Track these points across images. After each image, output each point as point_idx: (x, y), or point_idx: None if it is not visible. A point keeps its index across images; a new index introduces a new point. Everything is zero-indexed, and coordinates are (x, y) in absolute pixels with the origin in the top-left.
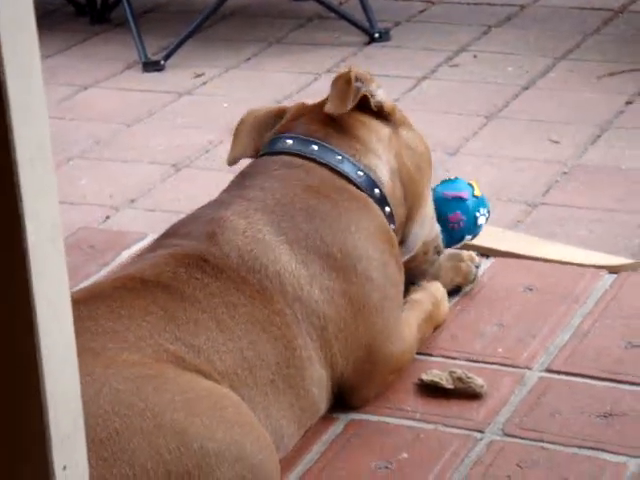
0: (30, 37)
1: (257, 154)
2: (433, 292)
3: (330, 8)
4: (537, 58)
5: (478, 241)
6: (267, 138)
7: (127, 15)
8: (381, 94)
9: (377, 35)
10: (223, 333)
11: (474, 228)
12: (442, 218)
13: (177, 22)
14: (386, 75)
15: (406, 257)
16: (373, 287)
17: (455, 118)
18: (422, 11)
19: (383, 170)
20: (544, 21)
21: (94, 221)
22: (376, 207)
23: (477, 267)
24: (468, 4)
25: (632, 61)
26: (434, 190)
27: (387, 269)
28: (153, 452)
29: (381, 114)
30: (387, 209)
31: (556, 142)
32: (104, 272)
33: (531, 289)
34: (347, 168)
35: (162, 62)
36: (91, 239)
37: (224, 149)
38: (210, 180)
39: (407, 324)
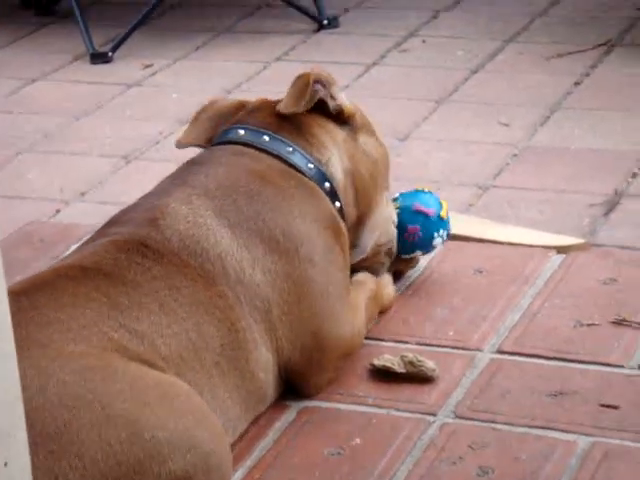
0: None
1: (209, 144)
2: (370, 276)
3: None
4: (486, 41)
5: None
6: (221, 129)
7: (73, 6)
8: (342, 97)
9: (326, 22)
10: (167, 316)
11: (427, 246)
12: (401, 225)
13: (124, 13)
14: (336, 62)
15: (358, 258)
16: (317, 271)
17: (405, 103)
18: None
19: (335, 166)
20: (492, 4)
21: (44, 215)
22: (325, 197)
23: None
24: None
25: (579, 42)
26: (404, 196)
27: (331, 254)
28: (103, 443)
29: (340, 118)
30: (337, 204)
31: (506, 125)
32: None
33: (481, 271)
34: (297, 159)
35: (110, 54)
36: (41, 233)
37: (174, 140)
38: (161, 171)
39: (354, 307)
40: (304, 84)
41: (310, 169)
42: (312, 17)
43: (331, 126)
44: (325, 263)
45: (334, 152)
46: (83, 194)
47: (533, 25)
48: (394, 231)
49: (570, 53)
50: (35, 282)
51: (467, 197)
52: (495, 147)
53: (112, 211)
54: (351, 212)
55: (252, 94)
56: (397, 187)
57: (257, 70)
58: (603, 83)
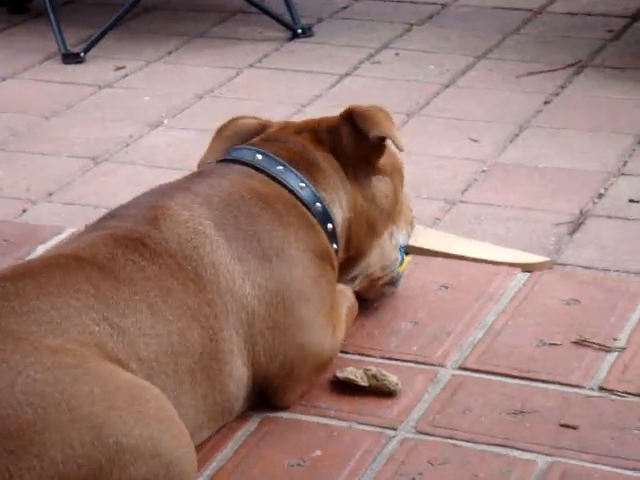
0: None
1: None
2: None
3: (253, 3)
4: (458, 57)
5: None
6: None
7: (46, 5)
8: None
9: (300, 31)
10: (153, 316)
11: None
12: None
13: (98, 14)
14: (308, 71)
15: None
16: (306, 291)
17: None
18: (345, 7)
19: (339, 210)
20: (465, 20)
21: (10, 214)
22: (323, 234)
23: None
24: (391, 1)
25: (550, 61)
26: None
27: (322, 278)
28: (65, 445)
29: (369, 157)
30: (334, 246)
31: (475, 141)
32: None
33: (446, 287)
34: (307, 195)
35: (82, 54)
36: (6, 233)
37: (144, 143)
38: (130, 174)
39: (337, 322)
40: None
41: (317, 207)
42: (286, 25)
43: (343, 170)
44: (315, 284)
45: (342, 196)
46: (50, 194)
47: (505, 42)
48: (393, 263)
49: (541, 72)
50: (24, 268)
51: (434, 211)
52: (464, 162)
53: (79, 212)
54: (340, 255)
55: (223, 100)
56: None
57: (229, 76)
58: (572, 103)
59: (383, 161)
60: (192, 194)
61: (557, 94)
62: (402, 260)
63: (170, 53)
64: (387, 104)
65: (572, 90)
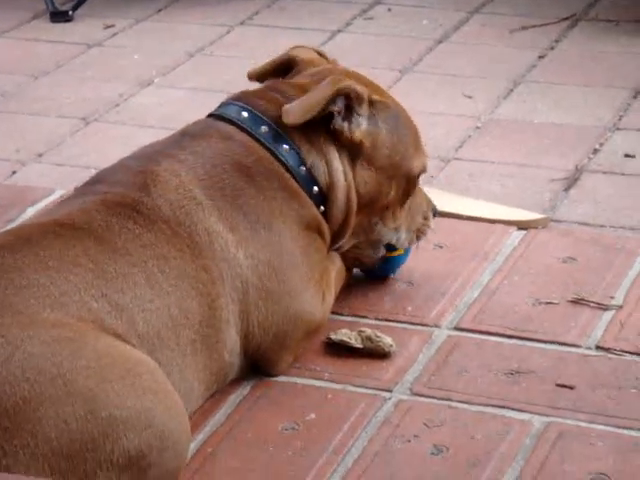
0: None
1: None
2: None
3: None
4: (451, 12)
5: None
6: (227, 99)
7: None
8: (361, 122)
9: None
10: (152, 289)
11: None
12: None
13: None
14: (300, 28)
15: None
16: (297, 260)
17: (369, 72)
18: None
19: (327, 175)
20: None
21: None
22: (307, 201)
23: None
24: None
25: (544, 15)
26: None
27: (311, 249)
28: (59, 421)
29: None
30: (322, 207)
31: (469, 97)
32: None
33: (441, 246)
34: (291, 159)
35: (70, 12)
36: None
37: (135, 102)
38: (120, 134)
39: (327, 288)
40: (324, 98)
41: (301, 171)
42: None
43: (335, 140)
44: (305, 253)
45: (331, 163)
46: (40, 155)
47: None
48: (425, 201)
49: (534, 26)
50: (21, 236)
51: (429, 169)
52: (458, 119)
53: (69, 173)
54: (336, 216)
55: (214, 58)
56: None
57: (220, 34)
58: (567, 57)
59: (374, 153)
60: (177, 161)
61: (551, 48)
62: (392, 249)
63: (160, 11)
64: (380, 61)
65: (566, 44)
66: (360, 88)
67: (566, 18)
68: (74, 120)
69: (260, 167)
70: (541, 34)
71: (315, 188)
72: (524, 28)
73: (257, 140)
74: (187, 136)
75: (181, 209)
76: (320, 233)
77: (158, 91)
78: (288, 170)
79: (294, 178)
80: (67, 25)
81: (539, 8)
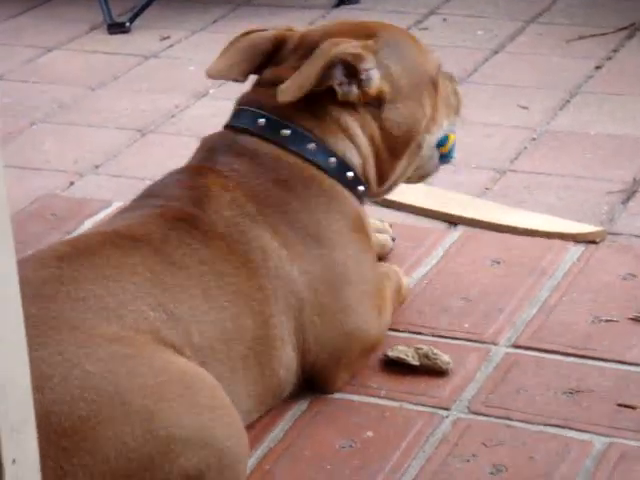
0: None
1: (244, 78)
2: (393, 267)
3: None
4: (506, 22)
5: (446, 209)
6: (238, 108)
7: None
8: (372, 76)
9: None
10: (207, 302)
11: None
12: None
13: None
14: None
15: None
16: (350, 273)
17: None
18: None
19: (356, 153)
20: None
21: (58, 187)
22: (345, 196)
23: (393, 239)
24: None
25: (601, 25)
26: None
27: (362, 254)
28: (117, 441)
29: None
30: (360, 188)
31: (525, 108)
32: None
33: (498, 262)
34: (319, 156)
35: (127, 24)
36: (54, 207)
37: (190, 114)
38: (176, 145)
39: (383, 304)
40: (318, 67)
41: (331, 163)
42: None
43: (351, 107)
44: (357, 265)
45: (356, 136)
46: (97, 167)
47: (555, 6)
48: (427, 163)
49: (592, 36)
50: (80, 247)
51: (484, 181)
52: (514, 130)
53: (126, 184)
54: (373, 186)
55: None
56: None
57: None
58: (624, 67)
59: (395, 90)
60: (223, 177)
61: (609, 58)
62: (444, 142)
63: (215, 22)
64: None
65: (624, 54)
66: (353, 48)
67: (624, 28)
68: (131, 132)
69: (294, 177)
70: (598, 44)
71: (349, 174)
72: (581, 38)
73: (282, 146)
74: (217, 152)
75: (236, 226)
76: (365, 233)
77: (213, 102)
78: (320, 167)
79: (327, 173)
80: (124, 37)
81: (596, 17)
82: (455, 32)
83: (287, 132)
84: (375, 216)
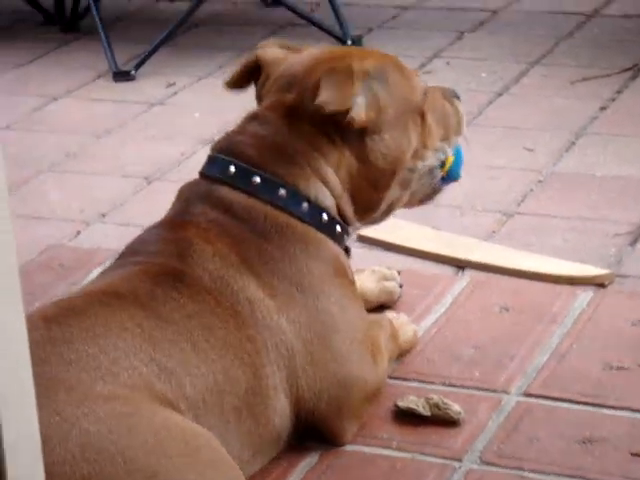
0: None
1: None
2: (386, 315)
3: (301, 15)
4: (511, 64)
5: (452, 252)
6: (210, 155)
7: (96, 24)
8: (359, 103)
9: (350, 42)
10: (197, 356)
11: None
12: None
13: (148, 31)
14: None
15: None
16: (336, 320)
17: None
18: (394, 17)
19: (329, 193)
20: (517, 26)
21: (64, 237)
22: (322, 239)
23: (401, 286)
24: (440, 10)
25: (606, 66)
26: None
27: (346, 299)
28: None
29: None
30: (337, 228)
31: (530, 150)
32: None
33: (507, 309)
34: (291, 203)
35: (133, 72)
36: (61, 257)
37: (196, 161)
38: None
39: (376, 348)
40: (348, 77)
41: (304, 209)
42: (336, 37)
43: (327, 143)
44: (342, 312)
45: (327, 176)
46: (104, 215)
47: (558, 48)
48: (426, 182)
49: (596, 77)
50: (67, 307)
51: (490, 223)
52: (520, 173)
53: (133, 233)
54: (352, 220)
55: None
56: (419, 210)
57: None
58: (629, 108)
59: (379, 118)
60: (202, 229)
61: (613, 99)
62: (442, 165)
63: (220, 68)
64: None
65: (628, 95)
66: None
67: (628, 69)
68: (137, 180)
69: (269, 226)
70: (603, 85)
71: (324, 216)
72: (585, 79)
73: (253, 195)
74: (193, 203)
75: (221, 279)
76: (347, 277)
77: None
78: (293, 214)
79: (301, 219)
80: (129, 84)
81: (600, 59)
82: (459, 75)
83: (257, 180)
84: (382, 263)
